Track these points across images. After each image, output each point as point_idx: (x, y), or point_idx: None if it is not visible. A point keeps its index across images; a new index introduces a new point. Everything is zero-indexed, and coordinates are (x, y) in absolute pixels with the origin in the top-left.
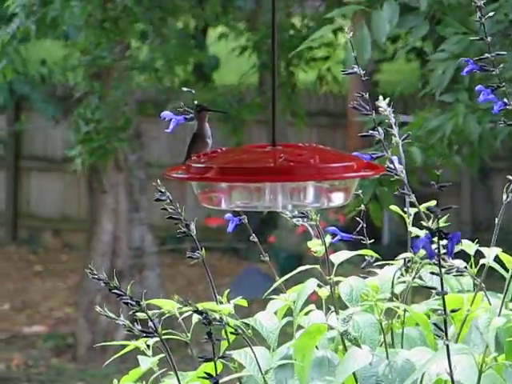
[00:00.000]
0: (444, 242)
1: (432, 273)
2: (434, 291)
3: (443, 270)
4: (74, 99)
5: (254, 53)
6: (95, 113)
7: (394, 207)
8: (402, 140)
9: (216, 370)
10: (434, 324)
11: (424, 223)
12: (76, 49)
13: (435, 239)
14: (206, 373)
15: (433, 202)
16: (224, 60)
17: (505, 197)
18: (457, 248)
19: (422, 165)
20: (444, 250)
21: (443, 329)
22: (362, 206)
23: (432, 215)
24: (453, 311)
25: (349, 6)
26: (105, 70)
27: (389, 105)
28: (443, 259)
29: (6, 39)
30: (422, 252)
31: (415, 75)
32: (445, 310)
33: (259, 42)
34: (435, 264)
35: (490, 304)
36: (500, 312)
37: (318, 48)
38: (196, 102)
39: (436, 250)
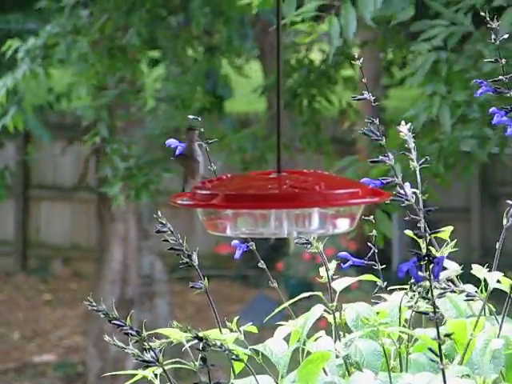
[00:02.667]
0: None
1: (423, 298)
2: (427, 316)
3: (436, 294)
4: (82, 128)
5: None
6: (131, 148)
7: (408, 232)
8: (420, 164)
9: None
10: (429, 349)
11: (412, 249)
12: (83, 78)
13: (422, 263)
14: None
15: (449, 228)
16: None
17: (505, 221)
18: (458, 271)
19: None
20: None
21: (438, 353)
22: (374, 231)
23: (423, 239)
24: (447, 336)
25: None
26: (115, 100)
27: (409, 130)
28: (443, 286)
29: (11, 87)
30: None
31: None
32: (438, 334)
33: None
34: (436, 288)
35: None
36: (499, 334)
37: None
38: (191, 126)
39: (427, 274)
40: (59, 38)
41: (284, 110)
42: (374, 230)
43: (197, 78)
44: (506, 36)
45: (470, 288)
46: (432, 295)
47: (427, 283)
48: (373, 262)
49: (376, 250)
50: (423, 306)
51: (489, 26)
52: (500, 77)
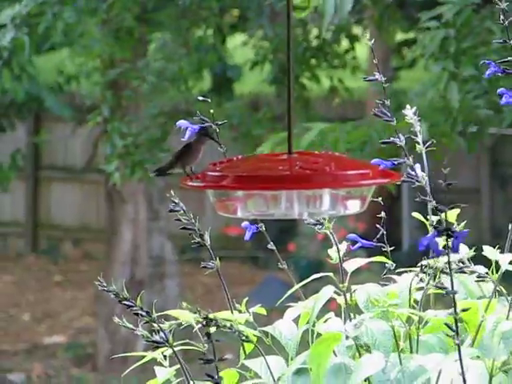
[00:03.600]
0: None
1: (442, 272)
2: (444, 291)
3: (454, 269)
4: (87, 107)
5: (265, 65)
6: (131, 126)
7: (416, 214)
8: (426, 148)
9: (217, 371)
10: (446, 324)
11: (432, 220)
12: (90, 57)
13: (442, 237)
14: (207, 374)
15: (456, 210)
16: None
17: None
18: (470, 252)
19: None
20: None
21: (454, 328)
22: (383, 213)
23: (440, 213)
24: (463, 310)
25: None
26: (121, 80)
27: (414, 113)
28: (461, 264)
29: None
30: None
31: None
32: (455, 309)
33: (272, 53)
34: (446, 264)
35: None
36: (508, 316)
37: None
38: (203, 123)
39: (444, 248)
40: (45, 7)
41: (273, 86)
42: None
43: (202, 58)
44: None
45: (481, 269)
46: (450, 269)
47: (438, 264)
48: (382, 244)
49: (385, 232)
50: (434, 285)
51: (497, 6)
52: (509, 58)
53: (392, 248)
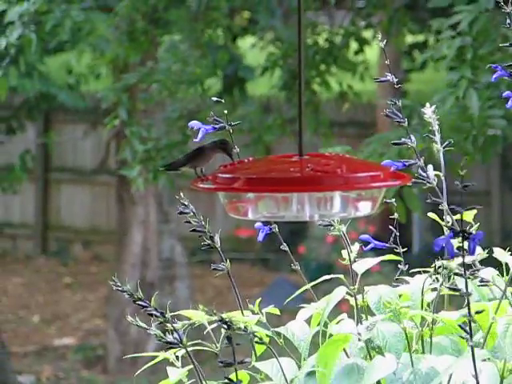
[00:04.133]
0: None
1: (456, 274)
2: (459, 293)
3: (468, 271)
4: (102, 110)
5: (275, 71)
6: (151, 131)
7: (432, 214)
8: (443, 147)
9: (237, 376)
10: (459, 326)
11: (447, 221)
12: (103, 60)
13: (457, 238)
14: (226, 378)
15: (472, 212)
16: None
17: None
18: (483, 254)
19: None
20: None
21: (468, 330)
22: (395, 214)
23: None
24: (477, 313)
25: None
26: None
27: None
28: (471, 266)
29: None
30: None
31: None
32: (469, 311)
33: (282, 58)
34: (460, 265)
35: None
36: None
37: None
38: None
39: (459, 250)
40: (53, 5)
41: (283, 91)
42: (395, 212)
43: (216, 60)
44: None
45: (491, 272)
46: (465, 271)
47: (451, 265)
48: (394, 246)
49: (397, 234)
50: (447, 288)
51: (504, 10)
52: None
53: (404, 249)
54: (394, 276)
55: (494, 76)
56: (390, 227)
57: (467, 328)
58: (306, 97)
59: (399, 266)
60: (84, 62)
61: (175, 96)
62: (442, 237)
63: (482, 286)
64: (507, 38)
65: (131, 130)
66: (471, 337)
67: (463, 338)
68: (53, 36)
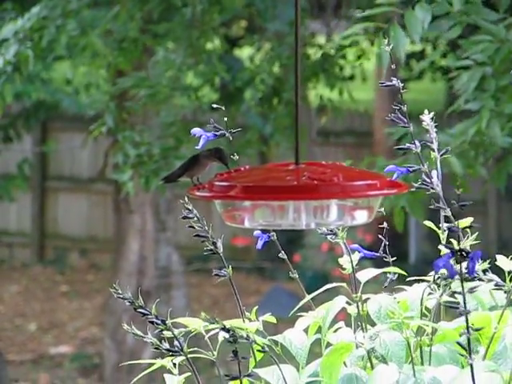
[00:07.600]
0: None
1: (454, 292)
2: (457, 310)
3: (467, 289)
4: (88, 118)
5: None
6: (143, 135)
7: (428, 222)
8: (441, 155)
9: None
10: (458, 343)
11: (444, 243)
12: (93, 66)
13: (455, 259)
14: None
15: (469, 219)
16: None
17: None
18: (482, 265)
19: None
20: (465, 270)
21: (467, 348)
22: (385, 224)
23: (457, 234)
24: (476, 330)
25: (380, 7)
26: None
27: (432, 119)
28: (468, 279)
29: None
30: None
31: (441, 94)
32: (468, 329)
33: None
34: (465, 280)
35: None
36: None
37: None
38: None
39: (458, 270)
40: (48, 22)
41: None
42: (385, 221)
43: (212, 68)
44: None
45: (494, 277)
46: (463, 290)
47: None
48: (384, 255)
49: (387, 243)
50: (446, 298)
51: None
52: None
53: (397, 259)
54: (391, 285)
55: None
56: (381, 237)
57: (466, 345)
58: (287, 109)
59: (388, 275)
60: (80, 72)
61: (169, 102)
62: (441, 258)
63: (496, 289)
64: None
65: (123, 134)
66: (470, 354)
67: (463, 347)
68: (49, 51)
